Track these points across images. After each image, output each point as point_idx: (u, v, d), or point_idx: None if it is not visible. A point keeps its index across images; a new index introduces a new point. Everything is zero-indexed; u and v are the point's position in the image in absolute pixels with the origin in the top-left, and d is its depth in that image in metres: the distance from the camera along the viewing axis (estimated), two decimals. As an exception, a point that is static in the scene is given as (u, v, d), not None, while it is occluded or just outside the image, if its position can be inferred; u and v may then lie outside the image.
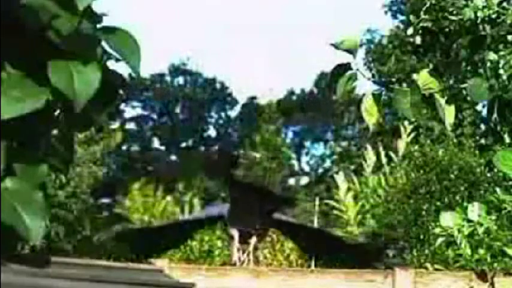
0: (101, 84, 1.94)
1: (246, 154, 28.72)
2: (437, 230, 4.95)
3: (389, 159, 8.50)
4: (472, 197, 7.32)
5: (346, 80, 3.60)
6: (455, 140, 8.13)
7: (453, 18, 3.79)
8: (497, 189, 5.29)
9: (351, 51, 3.61)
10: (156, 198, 13.99)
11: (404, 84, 3.64)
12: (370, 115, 3.66)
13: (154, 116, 41.69)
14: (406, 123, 8.62)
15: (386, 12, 21.41)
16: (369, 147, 8.85)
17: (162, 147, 40.83)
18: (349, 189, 8.26)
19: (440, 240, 4.86)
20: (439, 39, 3.93)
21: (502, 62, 3.70)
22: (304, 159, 39.29)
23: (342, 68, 3.63)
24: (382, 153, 8.51)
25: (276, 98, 35.37)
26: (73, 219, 4.25)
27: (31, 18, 1.97)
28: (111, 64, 2.14)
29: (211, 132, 41.93)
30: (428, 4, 3.90)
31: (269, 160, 28.04)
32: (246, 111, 40.02)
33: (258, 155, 27.97)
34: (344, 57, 3.66)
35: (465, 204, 5.19)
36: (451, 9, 3.80)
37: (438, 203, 7.54)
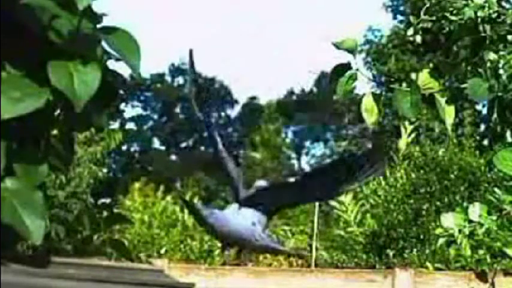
0: (101, 84, 1.95)
1: (246, 154, 28.71)
2: (438, 231, 4.95)
3: (390, 159, 8.50)
4: (472, 197, 7.30)
5: (346, 80, 3.60)
6: (455, 140, 8.12)
7: (453, 18, 3.79)
8: (497, 190, 5.28)
9: (351, 51, 3.61)
10: (156, 198, 13.97)
11: (404, 84, 3.64)
12: (370, 115, 3.66)
13: (155, 116, 41.70)
14: (406, 123, 8.61)
15: (387, 10, 21.42)
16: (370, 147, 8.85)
17: (162, 147, 40.84)
18: (349, 189, 8.25)
19: (441, 240, 4.86)
20: (439, 39, 3.93)
21: (502, 62, 3.70)
22: (304, 159, 39.31)
23: (341, 68, 3.63)
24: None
25: (276, 98, 35.40)
26: (73, 219, 4.22)
27: (31, 18, 1.97)
28: (111, 64, 2.14)
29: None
30: (428, 4, 3.90)
31: (269, 160, 28.04)
32: (246, 111, 40.02)
33: (258, 155, 27.97)
34: (344, 57, 3.66)
35: (465, 204, 5.18)
36: (451, 9, 3.80)
37: (438, 203, 7.53)
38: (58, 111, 2.08)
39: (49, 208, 4.07)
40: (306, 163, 38.63)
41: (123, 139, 10.74)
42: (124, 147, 35.67)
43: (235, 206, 6.48)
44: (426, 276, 4.82)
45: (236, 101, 41.78)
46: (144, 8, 50.47)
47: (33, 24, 1.97)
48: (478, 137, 8.81)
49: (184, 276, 4.65)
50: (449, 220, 4.82)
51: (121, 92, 2.24)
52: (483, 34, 3.79)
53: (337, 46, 3.58)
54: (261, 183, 6.82)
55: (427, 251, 6.89)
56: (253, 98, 40.45)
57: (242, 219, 6.19)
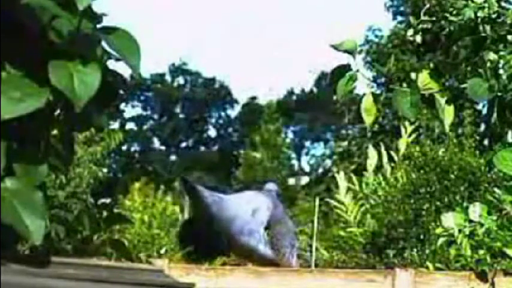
0: (101, 84, 1.94)
1: (246, 154, 28.71)
2: (438, 231, 4.95)
3: (390, 159, 8.50)
4: (472, 197, 7.30)
5: (346, 81, 3.60)
6: (455, 140, 8.12)
7: (453, 18, 3.79)
8: (497, 190, 5.28)
9: (351, 52, 3.61)
10: (156, 198, 13.96)
11: (405, 84, 3.65)
12: (369, 115, 3.67)
13: (155, 116, 41.70)
14: (406, 123, 8.62)
15: (388, 9, 21.43)
16: (370, 146, 8.84)
17: (162, 147, 40.85)
18: (349, 189, 8.25)
19: (441, 240, 4.86)
20: (439, 39, 3.93)
21: (502, 62, 3.70)
22: (304, 159, 39.33)
23: (342, 69, 3.63)
24: (384, 153, 8.51)
25: (276, 98, 35.40)
26: (73, 219, 4.21)
27: (31, 18, 1.97)
28: (111, 64, 2.14)
29: (211, 132, 41.97)
30: (428, 5, 3.90)
31: (269, 160, 28.04)
32: (246, 111, 40.03)
33: (258, 155, 27.97)
34: (344, 57, 3.67)
35: (465, 204, 5.18)
36: (451, 10, 3.80)
37: (438, 203, 7.52)
38: (58, 111, 2.08)
39: (49, 208, 4.07)
40: (306, 163, 38.68)
41: (123, 139, 10.72)
42: (124, 147, 35.68)
43: (246, 192, 6.29)
44: (426, 276, 4.81)
45: (236, 101, 41.81)
46: (144, 8, 50.48)
47: (33, 24, 1.97)
48: (478, 137, 8.80)
49: (185, 276, 4.65)
50: (450, 220, 4.82)
51: (121, 92, 2.24)
52: (483, 34, 3.79)
53: (337, 48, 3.58)
54: (271, 186, 6.71)
55: (427, 251, 6.88)
56: (253, 98, 40.47)
57: (242, 208, 5.95)
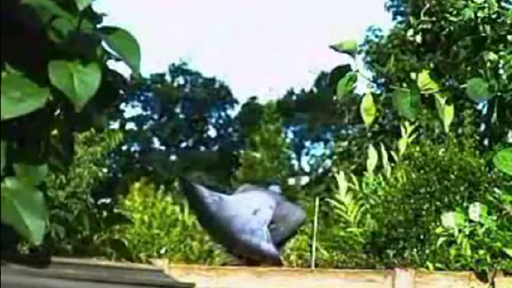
0: (101, 84, 1.94)
1: (246, 154, 28.73)
2: (438, 230, 4.95)
3: (390, 159, 8.50)
4: (472, 197, 7.30)
5: (346, 81, 3.61)
6: (455, 140, 8.11)
7: (453, 19, 3.79)
8: (497, 190, 5.28)
9: (351, 52, 3.61)
10: (156, 198, 13.96)
11: (405, 84, 3.65)
12: (369, 115, 3.67)
13: (155, 116, 41.71)
14: (406, 123, 8.62)
15: (388, 9, 21.44)
16: (370, 146, 8.84)
17: (162, 147, 40.85)
18: (349, 189, 8.25)
19: (441, 240, 4.86)
20: (440, 39, 3.93)
21: (502, 62, 3.70)
22: (304, 159, 39.33)
23: (342, 69, 3.63)
24: (384, 153, 8.51)
25: (276, 98, 35.42)
26: (73, 219, 4.21)
27: (31, 18, 1.97)
28: (111, 64, 2.14)
29: (211, 132, 41.98)
30: (428, 5, 3.90)
31: (269, 160, 28.05)
32: (246, 111, 40.04)
33: (258, 155, 27.98)
34: (344, 57, 3.67)
35: (465, 204, 5.18)
36: (450, 10, 3.81)
37: (438, 203, 7.52)
38: (58, 111, 2.08)
39: (49, 208, 4.07)
40: (306, 163, 38.68)
41: (123, 139, 10.72)
42: (124, 147, 35.68)
43: (248, 192, 6.22)
44: (426, 276, 4.81)
45: (236, 101, 41.80)
46: (144, 8, 50.48)
47: (33, 24, 1.97)
48: (478, 137, 8.81)
49: (185, 276, 4.65)
50: (450, 220, 4.82)
51: (121, 92, 2.24)
52: (483, 34, 3.80)
53: (337, 48, 3.58)
54: (275, 188, 6.68)
55: (427, 251, 6.88)
56: (253, 98, 40.48)
57: (243, 208, 5.90)
